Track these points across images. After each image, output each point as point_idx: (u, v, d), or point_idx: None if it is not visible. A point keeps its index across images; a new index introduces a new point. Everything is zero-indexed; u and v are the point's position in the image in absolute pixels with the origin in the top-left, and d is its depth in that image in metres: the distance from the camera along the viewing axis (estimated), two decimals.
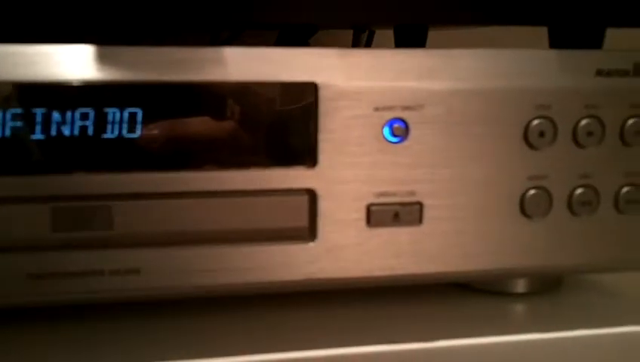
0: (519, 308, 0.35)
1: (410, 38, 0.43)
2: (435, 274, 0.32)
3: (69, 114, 0.28)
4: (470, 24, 0.38)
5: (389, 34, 0.42)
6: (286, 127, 0.29)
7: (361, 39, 0.53)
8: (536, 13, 0.33)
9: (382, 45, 0.48)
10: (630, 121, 0.32)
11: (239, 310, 0.33)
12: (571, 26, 0.35)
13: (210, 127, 0.29)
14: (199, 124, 0.29)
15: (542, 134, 0.31)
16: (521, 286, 0.36)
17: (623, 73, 0.32)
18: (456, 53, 0.31)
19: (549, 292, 0.37)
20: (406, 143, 0.31)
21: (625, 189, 0.33)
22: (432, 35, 0.41)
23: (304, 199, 0.30)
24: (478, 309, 0.35)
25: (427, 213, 0.31)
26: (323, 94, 0.29)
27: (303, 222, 0.30)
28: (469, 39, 0.46)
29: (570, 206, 0.32)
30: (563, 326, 0.32)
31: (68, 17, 0.29)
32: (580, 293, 0.37)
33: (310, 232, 0.30)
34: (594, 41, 0.35)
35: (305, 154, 0.30)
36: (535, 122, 0.31)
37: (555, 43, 0.36)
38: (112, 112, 0.28)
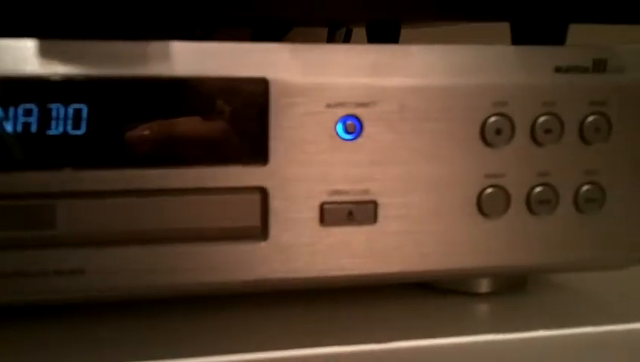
0: (482, 308, 0.35)
1: (382, 35, 0.43)
2: (391, 274, 0.31)
3: (11, 110, 0.27)
4: (433, 20, 0.37)
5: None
6: (236, 123, 0.29)
7: (337, 37, 0.52)
8: (498, 9, 0.33)
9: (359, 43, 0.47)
10: (589, 119, 0.32)
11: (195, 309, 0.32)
12: (533, 21, 0.34)
13: (158, 124, 0.28)
14: (147, 121, 0.28)
15: (499, 132, 0.31)
16: (485, 286, 0.36)
17: (583, 70, 0.32)
18: (410, 49, 0.30)
19: (513, 292, 0.36)
20: (359, 141, 0.30)
21: (584, 188, 0.32)
22: (410, 33, 0.41)
23: (255, 198, 0.29)
24: (440, 309, 0.34)
25: (382, 212, 0.31)
26: (274, 90, 0.29)
27: (255, 221, 0.29)
28: (446, 37, 0.45)
29: (528, 205, 0.32)
30: (524, 327, 0.32)
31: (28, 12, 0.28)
32: (544, 293, 0.37)
33: (262, 232, 0.30)
34: (556, 37, 0.34)
35: (256, 151, 0.29)
36: (492, 119, 0.31)
37: (518, 39, 0.35)
38: (56, 108, 0.28)
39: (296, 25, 0.44)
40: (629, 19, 0.34)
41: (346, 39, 0.52)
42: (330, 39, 0.52)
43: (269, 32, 0.42)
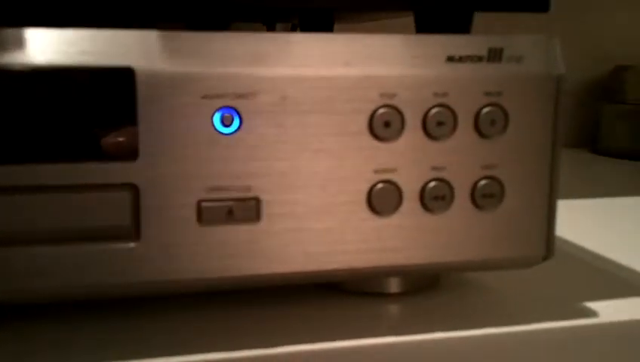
0: (389, 309, 0.33)
1: (315, 25, 0.41)
2: (276, 275, 0.29)
3: None
4: (335, 8, 0.36)
5: None
6: (101, 116, 0.27)
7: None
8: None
9: None
10: (485, 110, 0.30)
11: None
12: (437, 10, 0.33)
13: (16, 118, 0.26)
14: (6, 113, 0.26)
15: (387, 125, 0.29)
16: (395, 286, 0.34)
17: (477, 59, 0.30)
18: (292, 37, 0.29)
19: (424, 292, 0.35)
20: (239, 134, 0.28)
21: (482, 183, 0.31)
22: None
23: (125, 195, 0.27)
24: (345, 311, 0.32)
25: (265, 210, 0.29)
26: (141, 81, 0.27)
27: (125, 220, 0.28)
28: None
29: (422, 201, 0.30)
30: (424, 329, 0.30)
31: None
32: (456, 293, 0.35)
33: (133, 232, 0.28)
34: (461, 27, 0.33)
35: (124, 146, 0.27)
36: (380, 112, 0.29)
37: (422, 28, 0.34)
38: None
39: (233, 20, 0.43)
40: (533, 7, 0.33)
41: None
42: None
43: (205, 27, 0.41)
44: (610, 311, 0.33)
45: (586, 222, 0.51)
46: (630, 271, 0.39)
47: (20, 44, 0.26)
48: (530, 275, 0.37)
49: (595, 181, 0.71)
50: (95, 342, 0.29)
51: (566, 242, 0.45)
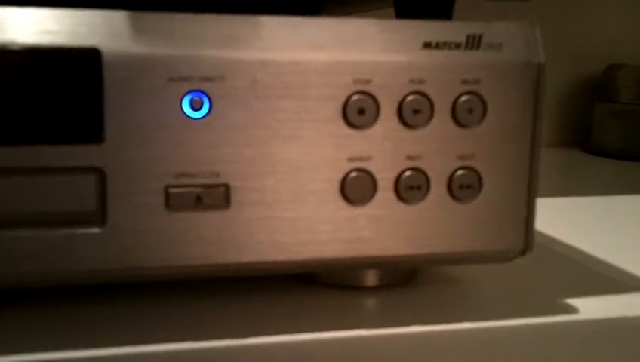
0: (365, 301, 0.33)
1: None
2: (246, 264, 0.29)
3: None
4: None
5: None
6: (66, 98, 0.26)
7: None
8: None
9: None
10: (462, 99, 0.30)
11: None
12: None
13: None
14: None
15: (362, 112, 0.29)
16: (371, 279, 0.34)
17: (454, 46, 0.30)
18: (263, 20, 0.28)
19: (401, 285, 0.34)
20: (208, 119, 0.28)
21: (459, 173, 0.30)
22: None
23: (90, 179, 0.27)
24: (319, 303, 0.32)
25: (234, 197, 0.28)
26: (108, 62, 0.26)
27: (91, 205, 0.27)
28: None
29: (397, 191, 0.30)
30: (400, 322, 0.30)
31: None
32: (434, 287, 0.35)
33: (99, 217, 0.27)
34: (442, 12, 0.33)
35: (89, 129, 0.27)
36: (354, 98, 0.29)
37: (402, 14, 0.33)
38: None
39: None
40: None
41: None
42: None
43: None
44: (591, 307, 0.33)
45: (576, 220, 0.51)
46: (615, 269, 0.39)
47: None
48: (513, 271, 0.36)
49: (586, 180, 0.70)
50: (59, 328, 0.28)
51: (552, 239, 0.44)
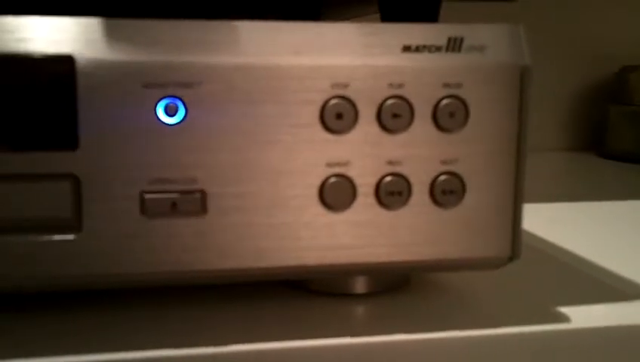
0: (353, 309, 0.32)
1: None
2: (225, 271, 0.28)
3: None
4: None
5: None
6: (40, 105, 0.26)
7: None
8: None
9: None
10: (443, 102, 0.29)
11: None
12: None
13: None
14: None
15: (340, 116, 0.28)
16: (360, 286, 0.33)
17: (435, 49, 0.29)
18: (239, 25, 0.28)
19: (392, 293, 0.34)
20: (184, 124, 0.27)
21: (441, 178, 0.30)
22: None
23: (65, 185, 0.27)
24: (307, 310, 0.31)
25: (212, 203, 0.28)
26: (82, 68, 0.26)
27: (65, 211, 0.27)
28: None
29: (377, 196, 0.29)
30: (388, 329, 0.29)
31: None
32: (425, 294, 0.34)
33: (74, 223, 0.27)
34: (428, 15, 0.32)
35: (63, 135, 0.27)
36: (331, 103, 0.28)
37: (387, 17, 0.33)
38: None
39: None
40: None
41: None
42: None
43: None
44: (584, 316, 0.32)
45: (585, 226, 0.50)
46: (616, 277, 0.38)
47: None
48: (508, 278, 0.35)
49: (599, 184, 0.69)
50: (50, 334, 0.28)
51: (553, 245, 0.44)
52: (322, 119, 0.28)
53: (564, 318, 0.32)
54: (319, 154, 0.29)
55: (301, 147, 0.28)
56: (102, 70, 0.26)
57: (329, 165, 0.29)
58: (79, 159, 0.27)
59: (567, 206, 0.55)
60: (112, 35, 0.27)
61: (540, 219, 0.49)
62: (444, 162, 0.30)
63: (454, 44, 0.29)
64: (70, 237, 0.27)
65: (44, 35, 0.26)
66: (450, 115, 0.29)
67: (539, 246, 0.43)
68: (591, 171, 0.76)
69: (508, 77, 0.30)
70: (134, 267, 0.28)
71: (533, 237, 0.45)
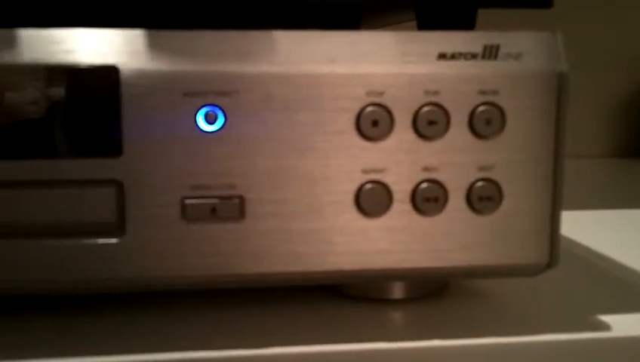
0: (390, 314, 0.32)
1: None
2: (261, 275, 0.29)
3: None
4: (335, 5, 0.35)
5: None
6: (87, 113, 0.27)
7: None
8: None
9: None
10: (480, 109, 0.29)
11: None
12: (438, 6, 0.32)
13: (5, 114, 0.27)
14: None
15: (375, 123, 0.29)
16: (398, 292, 0.33)
17: (471, 56, 0.29)
18: (276, 35, 0.28)
19: (429, 298, 0.34)
20: (223, 132, 0.28)
21: (478, 185, 0.30)
22: None
23: (110, 191, 0.28)
24: (343, 315, 0.32)
25: (250, 209, 0.29)
26: (125, 79, 0.27)
27: (110, 216, 0.28)
28: None
29: (413, 202, 0.29)
30: (424, 335, 0.29)
31: None
32: (463, 300, 0.34)
33: (118, 227, 0.28)
34: (465, 23, 0.32)
35: (109, 143, 0.28)
36: (367, 110, 0.29)
37: (423, 25, 0.33)
38: None
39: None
40: (536, 4, 0.31)
41: None
42: None
43: None
44: (625, 325, 0.31)
45: (627, 233, 0.49)
46: None
47: (7, 43, 0.27)
48: (546, 285, 0.35)
49: None
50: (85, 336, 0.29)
51: (594, 252, 0.43)
52: (358, 126, 0.29)
53: (604, 326, 0.31)
54: (355, 160, 0.29)
55: (337, 154, 0.29)
56: (144, 80, 0.28)
57: (365, 171, 0.29)
58: (123, 165, 0.28)
59: (610, 213, 0.54)
60: (154, 46, 0.28)
61: (582, 226, 0.48)
62: (480, 168, 0.30)
63: (490, 52, 0.29)
64: (114, 240, 0.28)
65: (90, 47, 0.27)
66: (486, 122, 0.29)
67: (579, 253, 0.43)
68: (634, 178, 0.74)
69: (545, 84, 0.30)
70: (174, 270, 0.29)
71: (574, 243, 0.45)
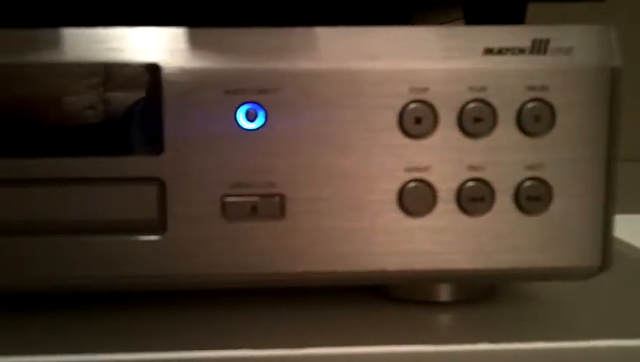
0: (436, 317, 0.32)
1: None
2: (301, 273, 0.29)
3: None
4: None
5: None
6: (128, 111, 0.28)
7: None
8: None
9: None
10: (528, 106, 0.28)
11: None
12: (488, 1, 0.31)
13: (50, 112, 0.28)
14: (40, 109, 0.28)
15: (419, 120, 0.28)
16: (445, 294, 0.33)
17: (518, 51, 0.28)
18: (316, 31, 0.28)
19: (477, 301, 0.33)
20: (263, 130, 0.28)
21: (526, 184, 0.29)
22: None
23: (151, 189, 0.28)
24: (388, 317, 0.31)
25: (290, 207, 0.28)
26: (167, 76, 0.27)
27: (151, 213, 0.28)
28: None
29: (459, 202, 0.29)
30: (470, 339, 0.29)
31: None
32: (513, 303, 0.33)
33: (159, 225, 0.28)
34: (514, 17, 0.31)
35: (149, 141, 0.28)
36: (410, 107, 0.28)
37: (471, 20, 0.32)
38: None
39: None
40: None
41: None
42: None
43: None
44: None
45: None
46: None
47: (51, 43, 0.27)
48: (599, 288, 0.34)
49: None
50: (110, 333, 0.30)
51: None
52: (401, 124, 0.28)
53: None
54: (398, 158, 0.28)
55: (379, 152, 0.28)
56: (185, 78, 0.28)
57: (408, 170, 0.28)
58: (164, 163, 0.28)
59: None
60: (194, 44, 0.28)
61: (637, 230, 0.46)
62: (529, 167, 0.29)
63: (539, 46, 0.28)
64: (155, 237, 0.28)
65: (132, 45, 0.27)
66: (535, 119, 0.28)
67: (634, 256, 0.41)
68: None
69: (597, 79, 0.28)
70: (214, 268, 0.28)
71: (629, 246, 0.43)
